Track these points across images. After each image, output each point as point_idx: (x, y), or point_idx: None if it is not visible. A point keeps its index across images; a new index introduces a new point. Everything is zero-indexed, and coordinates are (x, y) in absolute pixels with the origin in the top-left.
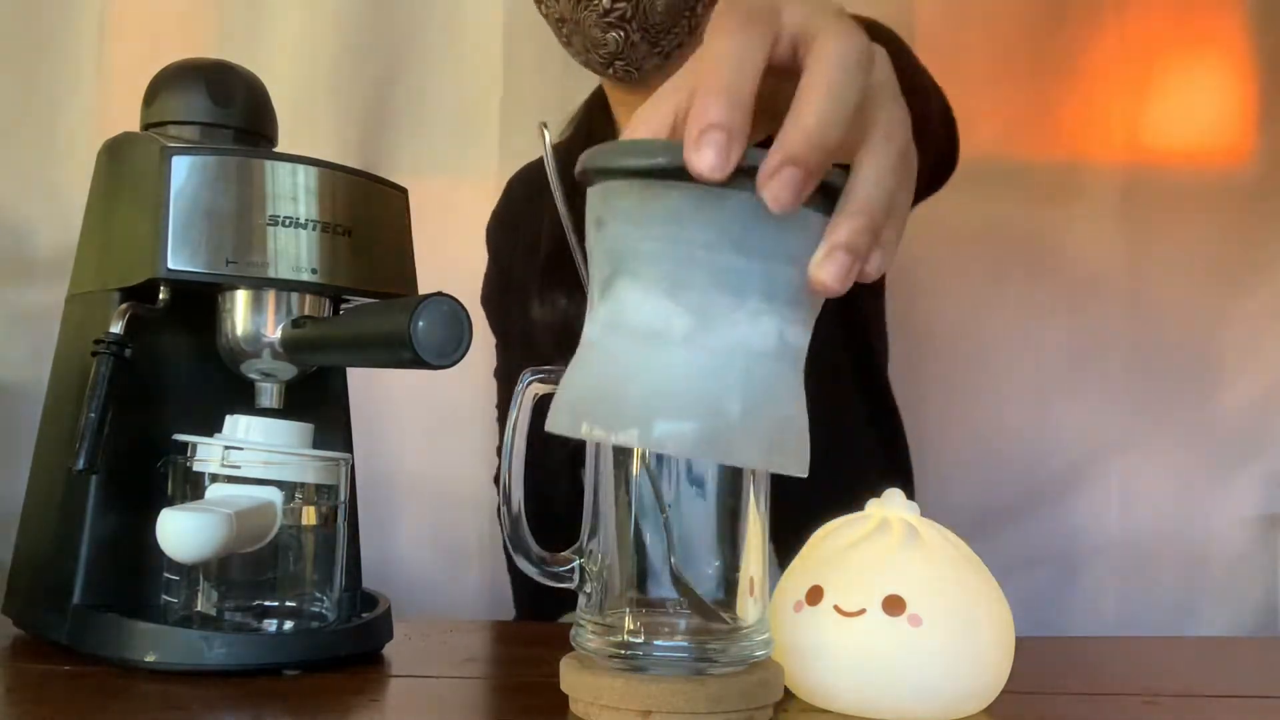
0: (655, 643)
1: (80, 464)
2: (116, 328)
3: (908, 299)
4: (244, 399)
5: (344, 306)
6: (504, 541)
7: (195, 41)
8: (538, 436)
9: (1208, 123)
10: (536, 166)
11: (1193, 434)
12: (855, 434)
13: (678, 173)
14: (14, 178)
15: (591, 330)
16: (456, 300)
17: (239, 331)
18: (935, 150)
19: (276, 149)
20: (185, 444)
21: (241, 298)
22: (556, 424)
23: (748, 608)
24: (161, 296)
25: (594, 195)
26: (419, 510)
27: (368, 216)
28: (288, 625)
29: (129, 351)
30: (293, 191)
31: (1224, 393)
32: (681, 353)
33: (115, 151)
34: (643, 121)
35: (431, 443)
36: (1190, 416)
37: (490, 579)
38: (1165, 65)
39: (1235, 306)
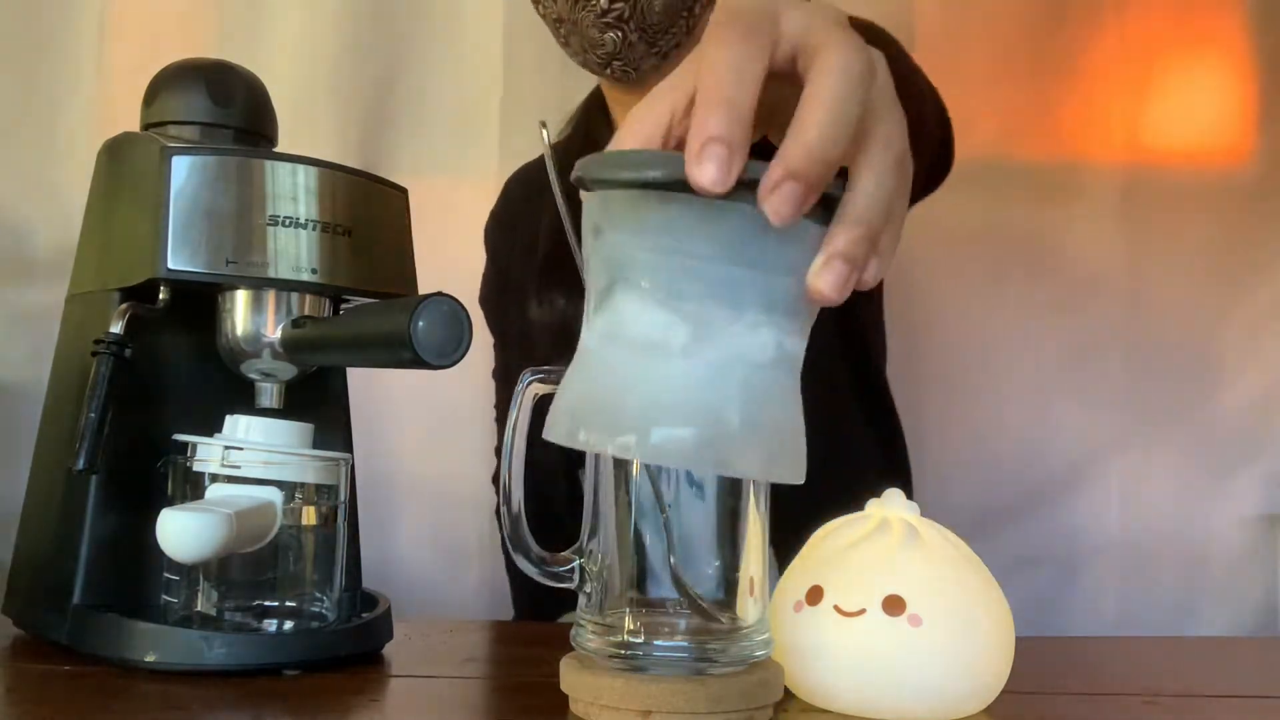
0: (655, 643)
1: (80, 464)
2: (116, 328)
3: (907, 299)
4: (244, 399)
5: (344, 306)
6: (503, 541)
7: (195, 41)
8: (537, 437)
9: (1208, 123)
10: (534, 166)
11: (1192, 434)
12: (854, 435)
13: (678, 185)
14: (14, 178)
15: (589, 338)
16: (456, 300)
17: (239, 331)
18: (931, 152)
19: (276, 149)
20: (185, 444)
21: (241, 298)
22: (555, 433)
23: (748, 608)
24: (161, 296)
25: (592, 202)
26: (419, 510)
27: (368, 216)
28: (288, 625)
29: (129, 351)
30: (293, 191)
31: (1224, 393)
32: (680, 364)
33: (115, 151)
34: (638, 121)
35: (431, 443)
36: (1190, 416)
37: (490, 579)
38: (1165, 65)
39: (1235, 306)
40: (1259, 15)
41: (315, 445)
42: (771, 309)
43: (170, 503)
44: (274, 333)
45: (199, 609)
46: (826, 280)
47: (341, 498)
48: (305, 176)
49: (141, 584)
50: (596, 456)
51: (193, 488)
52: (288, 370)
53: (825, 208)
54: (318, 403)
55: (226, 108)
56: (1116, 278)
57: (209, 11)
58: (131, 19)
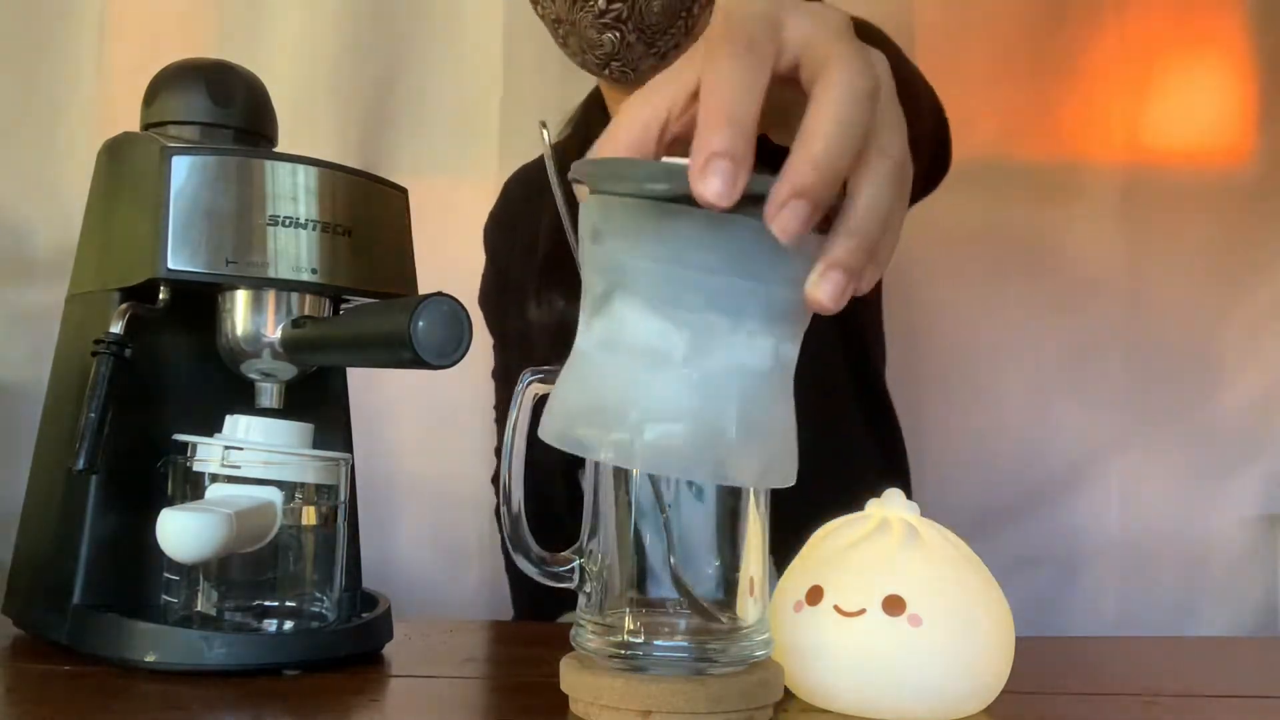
0: (655, 643)
1: (80, 464)
2: (116, 328)
3: (907, 299)
4: (244, 399)
5: (344, 306)
6: (503, 542)
7: (195, 41)
8: (537, 437)
9: (1208, 123)
10: (533, 167)
11: (1193, 434)
12: (853, 436)
13: (682, 198)
14: (14, 178)
15: (585, 342)
16: (456, 300)
17: (239, 331)
18: (928, 153)
19: (276, 149)
20: (185, 444)
21: (241, 298)
22: (550, 435)
23: (748, 608)
24: (161, 296)
25: (591, 206)
26: (419, 510)
27: (368, 216)
28: (288, 625)
29: (129, 351)
30: (293, 191)
31: (1224, 393)
32: (679, 374)
33: (115, 151)
34: (634, 112)
35: (431, 443)
36: (1190, 416)
37: (490, 579)
38: (1165, 65)
39: (1235, 306)
40: (1259, 15)
41: (315, 445)
42: (770, 318)
43: (170, 503)
44: (274, 333)
45: (199, 609)
46: (825, 290)
47: (341, 498)
48: (305, 176)
49: (141, 584)
50: None
51: (193, 488)
52: (288, 370)
53: (825, 218)
54: (318, 403)
55: (226, 108)
56: (1116, 278)
57: (209, 11)
58: (131, 19)
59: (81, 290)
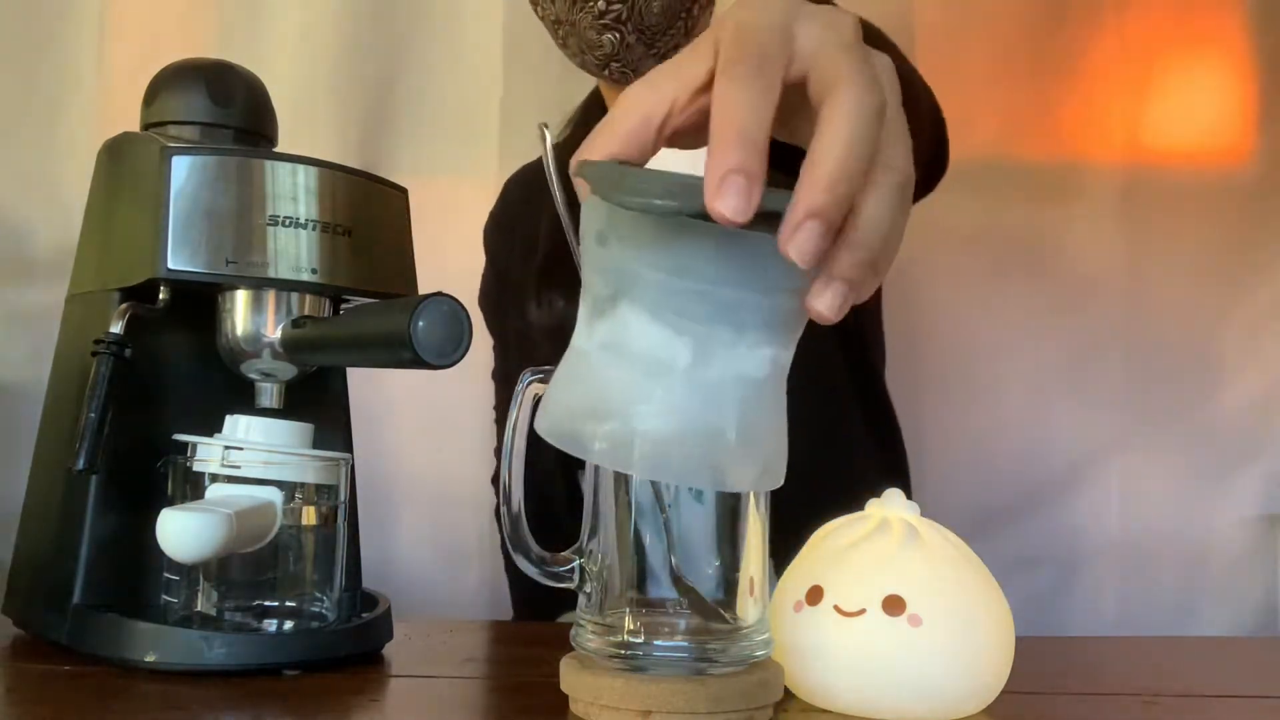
0: (655, 643)
1: (80, 464)
2: (116, 328)
3: (907, 299)
4: (244, 399)
5: (344, 306)
6: (503, 542)
7: (195, 41)
8: (537, 437)
9: (1208, 123)
10: (533, 168)
11: (1193, 434)
12: (853, 436)
13: (696, 214)
14: (14, 178)
15: (587, 342)
16: (456, 300)
17: (239, 331)
18: (926, 154)
19: (276, 149)
20: (185, 444)
21: (241, 298)
22: (547, 430)
23: (748, 608)
24: (161, 296)
25: (595, 208)
26: (419, 510)
27: (368, 216)
28: (288, 625)
29: (129, 351)
30: (293, 191)
31: (1224, 393)
32: (681, 382)
33: (115, 151)
34: (636, 101)
35: (431, 443)
36: (1190, 416)
37: (490, 579)
38: (1165, 65)
39: (1235, 306)
40: (1259, 15)
41: (315, 445)
42: (771, 328)
43: (170, 503)
44: (274, 333)
45: (199, 609)
46: (826, 302)
47: (341, 498)
48: (305, 176)
49: (141, 584)
50: None
51: (193, 488)
52: (288, 370)
53: None
54: (318, 403)
55: (226, 108)
56: (1116, 278)
57: (209, 11)
58: (131, 19)
59: (81, 290)
